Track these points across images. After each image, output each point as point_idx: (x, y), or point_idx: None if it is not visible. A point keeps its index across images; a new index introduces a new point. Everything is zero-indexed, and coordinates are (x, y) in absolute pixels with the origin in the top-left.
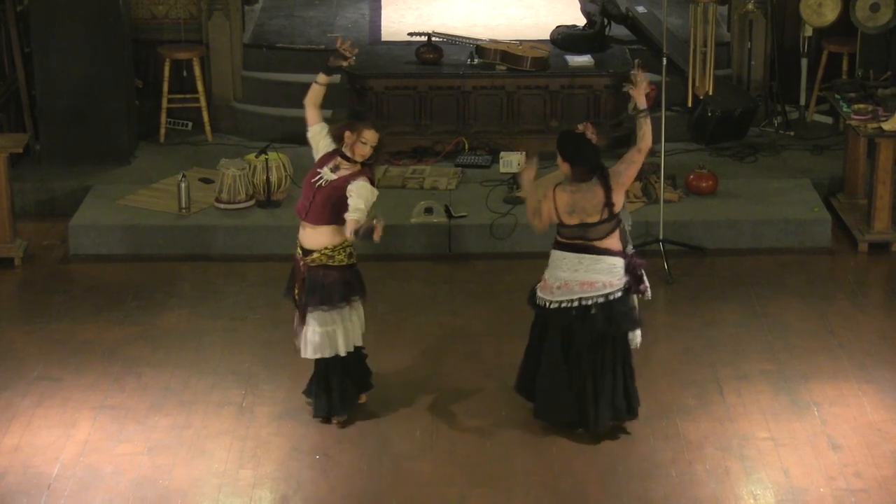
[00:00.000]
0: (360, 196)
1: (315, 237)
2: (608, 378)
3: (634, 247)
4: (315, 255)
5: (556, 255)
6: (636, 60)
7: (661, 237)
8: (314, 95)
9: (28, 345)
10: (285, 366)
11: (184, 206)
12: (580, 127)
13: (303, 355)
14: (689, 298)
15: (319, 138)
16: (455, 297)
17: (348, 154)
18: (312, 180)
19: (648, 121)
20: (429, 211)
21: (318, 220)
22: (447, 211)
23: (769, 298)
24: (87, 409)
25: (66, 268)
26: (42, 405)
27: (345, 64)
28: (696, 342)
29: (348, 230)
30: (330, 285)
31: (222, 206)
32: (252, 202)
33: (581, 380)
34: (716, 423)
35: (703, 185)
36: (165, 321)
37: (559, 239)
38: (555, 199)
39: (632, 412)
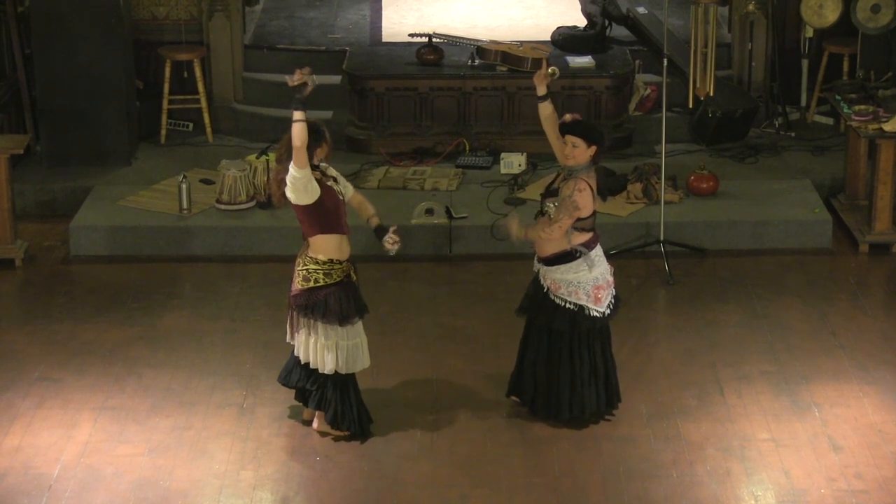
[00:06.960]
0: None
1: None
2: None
3: (635, 247)
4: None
5: (597, 251)
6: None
7: (661, 238)
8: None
9: (29, 346)
10: None
11: (184, 206)
12: (567, 117)
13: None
14: (690, 299)
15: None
16: (455, 298)
17: (319, 163)
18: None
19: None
20: (429, 212)
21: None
22: (448, 212)
23: (770, 299)
24: (87, 410)
25: (67, 269)
26: (43, 406)
27: (308, 90)
28: (697, 343)
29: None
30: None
31: (223, 206)
32: (253, 203)
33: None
34: (716, 423)
35: (704, 185)
36: (166, 322)
37: (589, 235)
38: (590, 187)
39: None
